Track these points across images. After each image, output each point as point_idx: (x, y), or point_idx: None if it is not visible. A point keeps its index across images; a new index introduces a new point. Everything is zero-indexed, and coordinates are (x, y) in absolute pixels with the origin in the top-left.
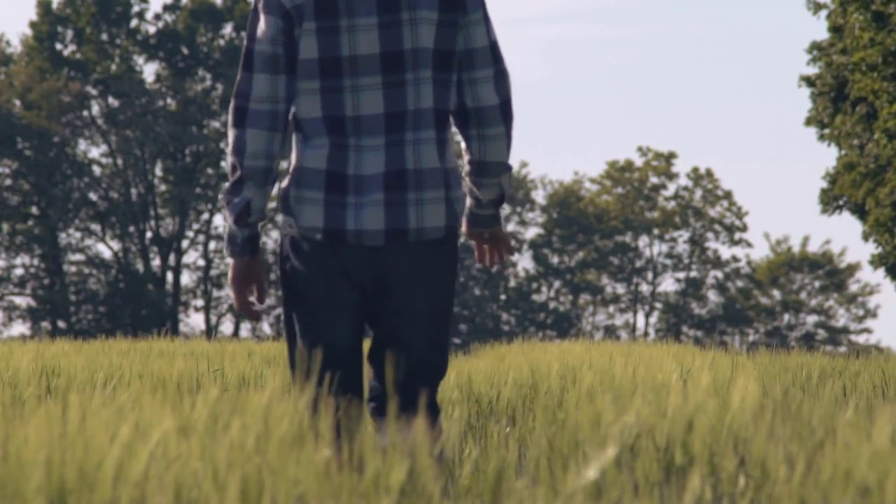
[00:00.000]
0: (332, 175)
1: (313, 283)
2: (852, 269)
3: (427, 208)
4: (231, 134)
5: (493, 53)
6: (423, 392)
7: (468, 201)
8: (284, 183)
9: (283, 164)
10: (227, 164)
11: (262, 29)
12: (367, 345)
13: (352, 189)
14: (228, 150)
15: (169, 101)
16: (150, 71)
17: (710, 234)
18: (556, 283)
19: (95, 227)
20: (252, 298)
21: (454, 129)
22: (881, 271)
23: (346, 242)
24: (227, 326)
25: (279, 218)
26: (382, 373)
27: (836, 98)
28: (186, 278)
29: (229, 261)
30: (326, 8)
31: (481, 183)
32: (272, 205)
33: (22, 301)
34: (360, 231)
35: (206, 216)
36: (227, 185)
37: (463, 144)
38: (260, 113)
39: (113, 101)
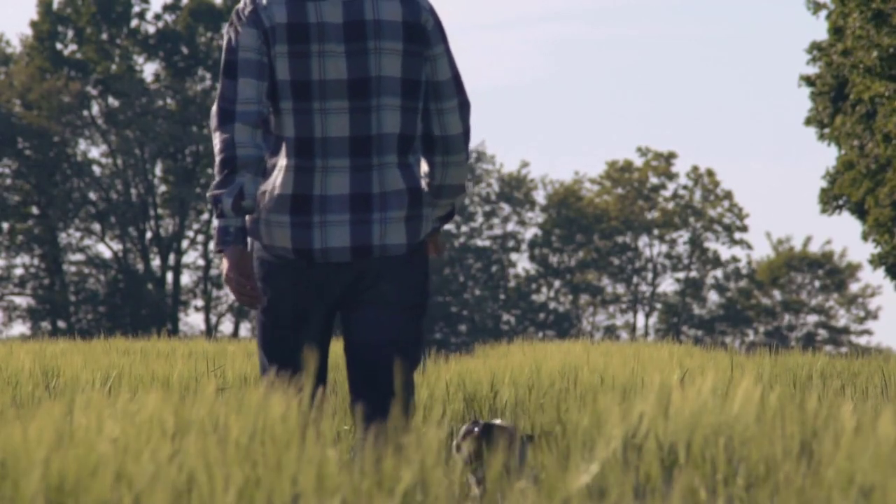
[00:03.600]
0: (297, 198)
1: (284, 300)
2: (853, 268)
3: (390, 227)
4: (217, 135)
5: (457, 85)
6: (393, 393)
7: None
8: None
9: None
10: (215, 165)
11: (245, 39)
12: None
13: (316, 209)
14: (216, 150)
15: (169, 101)
16: (150, 71)
17: (710, 235)
18: (556, 283)
19: (95, 227)
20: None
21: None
22: (882, 273)
23: (313, 260)
24: (227, 326)
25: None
26: (355, 380)
27: (836, 98)
28: (186, 278)
29: (220, 257)
30: (298, 33)
31: (437, 204)
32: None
33: (22, 301)
34: (326, 249)
35: (206, 216)
36: (216, 181)
37: (425, 168)
38: (247, 112)
39: (113, 101)
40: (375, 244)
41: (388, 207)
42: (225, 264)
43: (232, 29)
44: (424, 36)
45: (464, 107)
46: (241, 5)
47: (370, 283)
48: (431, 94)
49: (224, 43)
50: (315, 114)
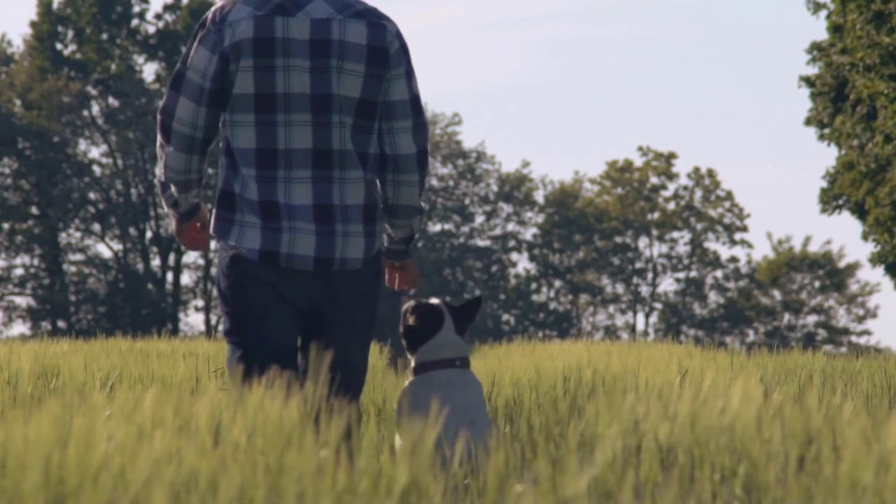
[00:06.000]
0: (264, 204)
1: (251, 295)
2: (852, 268)
3: (350, 240)
4: (158, 140)
5: (414, 106)
6: (346, 398)
7: (384, 236)
8: (219, 207)
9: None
10: (158, 155)
11: (196, 60)
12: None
13: (284, 215)
14: (158, 151)
15: None
16: (150, 71)
17: (710, 235)
18: (557, 283)
19: (95, 227)
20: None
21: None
22: (881, 272)
23: (278, 265)
24: None
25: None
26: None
27: (836, 98)
28: (186, 278)
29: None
30: (264, 47)
31: (393, 223)
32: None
33: (22, 301)
34: (291, 255)
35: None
36: (159, 177)
37: (379, 187)
38: (181, 135)
39: (113, 101)
40: (337, 257)
41: (349, 220)
42: (173, 226)
43: (192, 39)
44: (386, 59)
45: (419, 129)
46: (208, 16)
47: (329, 306)
48: (384, 113)
49: (185, 49)
50: (279, 126)
